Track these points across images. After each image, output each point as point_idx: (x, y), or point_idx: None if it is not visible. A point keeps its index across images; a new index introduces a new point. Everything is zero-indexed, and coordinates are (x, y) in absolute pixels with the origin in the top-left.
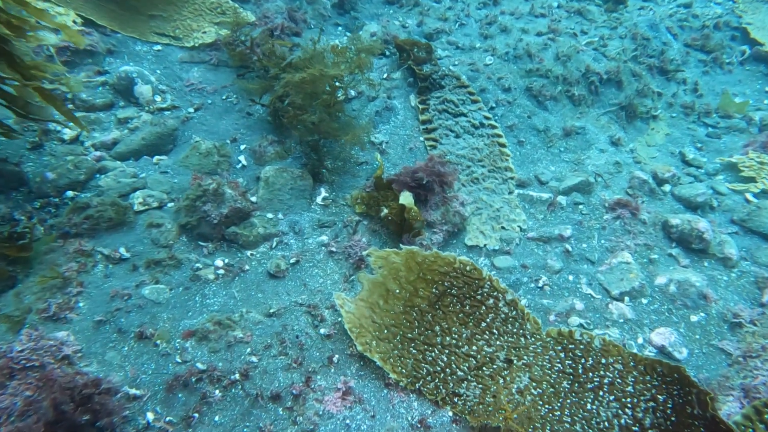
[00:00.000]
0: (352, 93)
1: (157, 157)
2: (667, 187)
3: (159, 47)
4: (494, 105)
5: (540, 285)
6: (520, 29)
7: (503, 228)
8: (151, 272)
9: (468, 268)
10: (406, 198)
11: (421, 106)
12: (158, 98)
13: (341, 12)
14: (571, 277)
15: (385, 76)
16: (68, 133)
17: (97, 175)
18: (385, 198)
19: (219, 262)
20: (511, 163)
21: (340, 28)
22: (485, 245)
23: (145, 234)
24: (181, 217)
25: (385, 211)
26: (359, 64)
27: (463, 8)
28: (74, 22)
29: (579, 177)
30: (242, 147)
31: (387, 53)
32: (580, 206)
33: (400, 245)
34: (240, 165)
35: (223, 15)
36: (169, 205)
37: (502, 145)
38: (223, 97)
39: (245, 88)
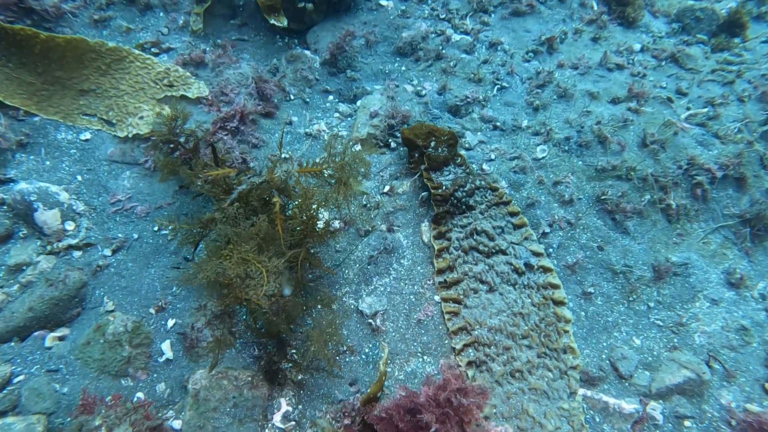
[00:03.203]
0: (336, 224)
1: (52, 334)
2: None
3: (88, 135)
4: (547, 229)
5: None
6: (587, 93)
7: None
8: None
9: None
10: None
11: (437, 245)
12: (70, 226)
13: (333, 72)
14: None
15: (386, 188)
16: None
17: None
18: None
19: None
20: (572, 336)
21: (330, 97)
22: None
23: None
24: None
25: None
26: (342, 193)
27: (504, 61)
28: None
29: (683, 370)
30: (170, 323)
31: (392, 144)
32: (688, 423)
33: None
34: (163, 358)
35: (171, 88)
36: None
37: (559, 303)
38: (155, 228)
39: (185, 218)
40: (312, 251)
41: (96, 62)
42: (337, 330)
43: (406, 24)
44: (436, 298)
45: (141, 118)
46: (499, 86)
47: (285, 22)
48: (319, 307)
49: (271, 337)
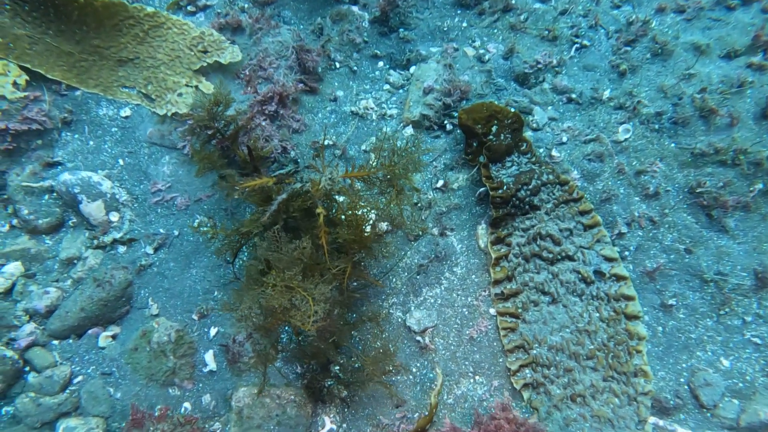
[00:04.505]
0: (383, 226)
1: (104, 333)
2: None
3: (128, 111)
4: (625, 228)
5: None
6: (692, 47)
7: None
8: None
9: None
10: None
11: (494, 252)
12: (114, 217)
13: (384, 31)
14: None
15: (439, 182)
16: (0, 283)
17: (25, 375)
18: None
19: None
20: (645, 357)
21: (380, 63)
22: None
23: None
24: None
25: None
26: (393, 200)
27: (587, 10)
28: (15, 84)
29: None
30: (212, 332)
31: (447, 126)
32: None
33: None
34: (207, 369)
35: (205, 54)
36: None
37: (632, 317)
38: (195, 224)
39: (224, 213)
40: (357, 260)
41: (134, 29)
42: (389, 353)
43: None
44: (492, 311)
45: (180, 95)
46: (578, 45)
47: None
48: (368, 325)
49: (316, 360)
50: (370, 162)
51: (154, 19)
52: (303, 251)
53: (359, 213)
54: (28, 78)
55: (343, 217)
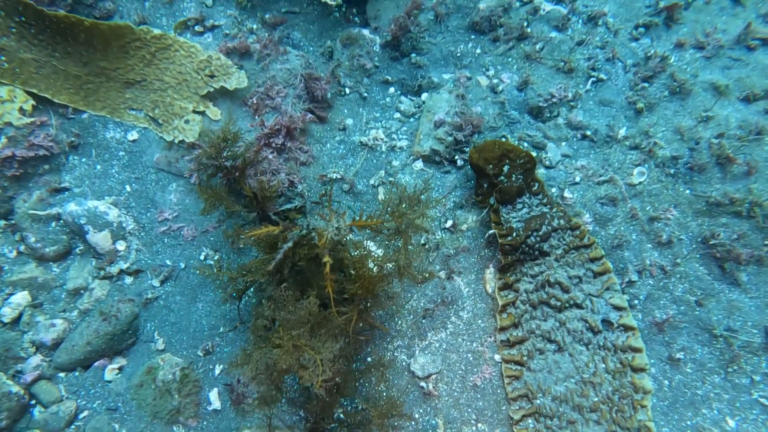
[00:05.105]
0: (389, 267)
1: (111, 366)
2: None
3: (135, 134)
4: (635, 276)
5: None
6: (710, 86)
7: None
8: None
9: None
10: None
11: (501, 299)
12: (121, 246)
13: (395, 56)
14: None
15: (448, 223)
16: (8, 314)
17: (31, 409)
18: None
19: None
20: (649, 412)
21: (391, 90)
22: None
23: None
24: None
25: None
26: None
27: (605, 41)
28: (21, 109)
29: None
30: (218, 369)
31: (458, 161)
32: None
33: None
34: (212, 408)
35: (212, 79)
36: None
37: (639, 370)
38: (201, 257)
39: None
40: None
41: (141, 51)
42: (395, 404)
43: None
44: (497, 357)
45: (186, 122)
46: (594, 78)
47: None
48: (373, 379)
49: (320, 407)
50: (379, 199)
51: (161, 41)
52: (310, 311)
53: (367, 265)
54: (34, 103)
55: (351, 270)
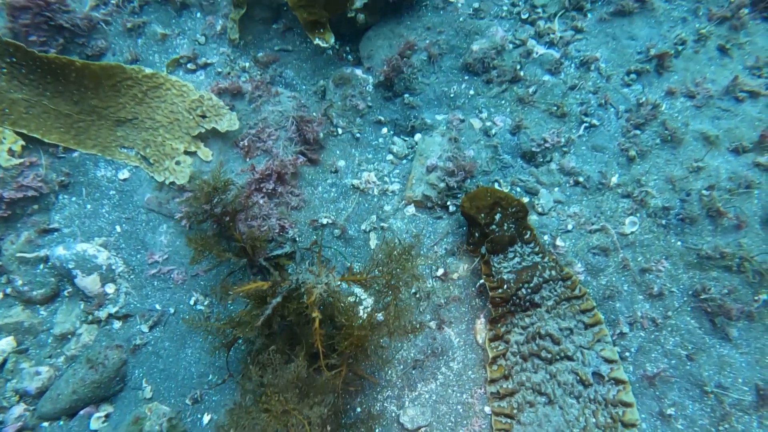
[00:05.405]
0: (380, 317)
1: (97, 414)
2: None
3: (126, 173)
4: (627, 329)
5: None
6: (701, 136)
7: None
8: None
9: None
10: None
11: (492, 351)
12: (110, 289)
13: (388, 96)
14: None
15: (439, 271)
16: None
17: None
18: None
19: None
20: None
21: (384, 130)
22: None
23: None
24: None
25: None
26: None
27: (597, 87)
28: (11, 150)
29: None
30: (206, 419)
31: (450, 207)
32: None
33: None
34: None
35: (204, 119)
36: None
37: (629, 425)
38: (191, 301)
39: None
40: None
41: (132, 90)
42: None
43: (479, 28)
44: (486, 409)
45: (178, 163)
46: (587, 124)
47: (332, 40)
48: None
49: None
50: (371, 246)
51: (152, 79)
52: (298, 374)
53: (357, 319)
54: (24, 143)
55: (342, 320)
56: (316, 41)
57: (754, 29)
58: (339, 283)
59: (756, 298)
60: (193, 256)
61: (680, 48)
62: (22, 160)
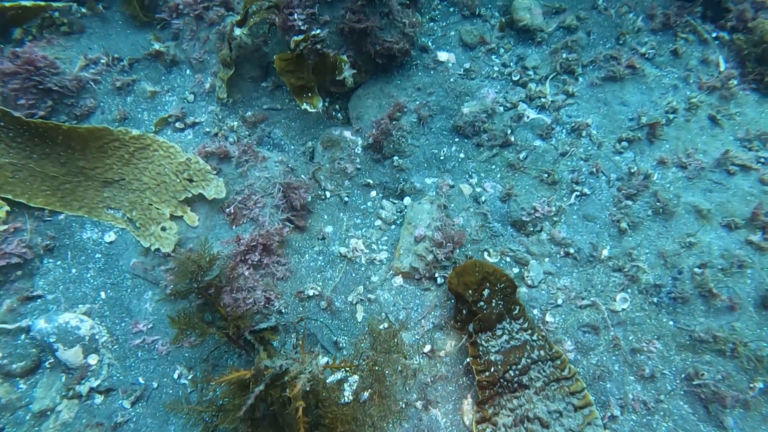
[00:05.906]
0: (365, 396)
1: None
2: None
3: (113, 236)
4: (617, 411)
5: None
6: (693, 209)
7: None
8: None
9: None
10: None
11: None
12: (93, 360)
13: (377, 158)
14: None
15: (426, 347)
16: None
17: None
18: None
19: None
20: None
21: (372, 193)
22: None
23: None
24: None
25: None
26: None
27: (588, 154)
28: None
29: None
30: None
31: (438, 279)
32: None
33: None
34: None
35: (191, 183)
36: None
37: None
38: (175, 375)
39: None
40: None
41: (119, 151)
42: None
43: (470, 89)
44: None
45: (164, 229)
46: (578, 193)
47: (320, 105)
48: None
49: None
50: (357, 318)
51: (140, 141)
52: None
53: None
54: (8, 209)
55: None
56: (304, 106)
57: (743, 99)
58: (323, 372)
59: (752, 385)
60: (175, 336)
61: (671, 116)
62: (6, 227)
